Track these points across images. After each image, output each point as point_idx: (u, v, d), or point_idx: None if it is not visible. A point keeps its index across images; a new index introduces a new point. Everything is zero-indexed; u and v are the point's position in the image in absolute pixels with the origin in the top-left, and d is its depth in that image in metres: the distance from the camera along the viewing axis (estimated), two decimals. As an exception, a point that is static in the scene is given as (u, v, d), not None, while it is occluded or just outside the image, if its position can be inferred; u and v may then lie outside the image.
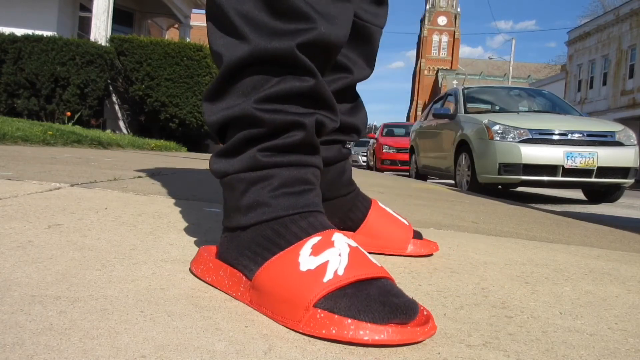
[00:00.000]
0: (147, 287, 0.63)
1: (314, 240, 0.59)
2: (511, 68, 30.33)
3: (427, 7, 74.21)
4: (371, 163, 14.20)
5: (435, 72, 69.39)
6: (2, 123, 4.28)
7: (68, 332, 0.47)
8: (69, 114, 7.44)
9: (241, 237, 0.64)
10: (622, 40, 22.63)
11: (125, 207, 1.24)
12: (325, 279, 0.54)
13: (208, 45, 0.66)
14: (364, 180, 4.02)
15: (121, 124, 8.91)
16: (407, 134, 13.04)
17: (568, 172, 4.78)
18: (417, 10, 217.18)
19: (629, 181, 4.98)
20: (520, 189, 6.52)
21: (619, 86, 22.63)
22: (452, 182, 6.00)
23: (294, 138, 0.63)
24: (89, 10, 9.18)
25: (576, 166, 4.76)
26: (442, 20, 73.32)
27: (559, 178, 4.79)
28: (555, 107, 6.40)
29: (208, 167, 0.70)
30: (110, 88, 8.41)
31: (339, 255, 0.57)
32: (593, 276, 0.97)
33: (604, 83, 24.02)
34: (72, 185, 1.50)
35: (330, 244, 0.59)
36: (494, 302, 0.73)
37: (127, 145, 5.72)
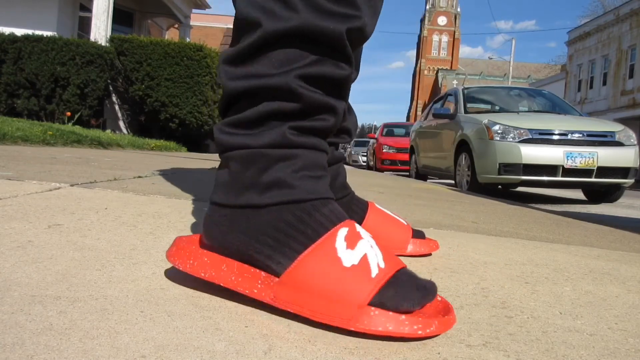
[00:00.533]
0: (147, 287, 0.63)
1: (344, 231, 0.57)
2: (511, 68, 30.33)
3: (427, 7, 74.22)
4: (371, 163, 14.20)
5: (435, 72, 69.41)
6: (2, 123, 4.28)
7: (68, 332, 0.47)
8: (69, 114, 7.44)
9: (254, 218, 0.58)
10: (622, 40, 22.63)
11: (125, 207, 1.24)
12: (373, 274, 0.54)
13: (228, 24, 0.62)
14: (364, 180, 4.02)
15: (121, 124, 8.91)
16: (407, 134, 13.04)
17: (568, 172, 4.78)
18: (417, 10, 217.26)
19: (629, 181, 4.98)
20: (520, 189, 6.52)
21: (619, 86, 22.63)
22: (452, 182, 5.99)
23: (326, 122, 0.62)
24: (89, 10, 9.18)
25: (576, 166, 4.76)
26: (442, 20, 73.32)
27: (559, 178, 4.79)
28: (555, 107, 6.40)
29: (209, 160, 0.67)
30: (110, 88, 8.41)
31: (371, 247, 0.57)
32: (593, 276, 0.97)
33: (604, 83, 24.02)
34: (72, 185, 1.50)
35: (359, 235, 0.58)
36: (494, 302, 0.73)
37: (127, 145, 5.72)
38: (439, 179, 7.51)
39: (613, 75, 23.16)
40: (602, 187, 5.15)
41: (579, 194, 6.35)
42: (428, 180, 7.05)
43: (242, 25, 0.60)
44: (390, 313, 0.52)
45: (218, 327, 0.53)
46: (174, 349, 0.46)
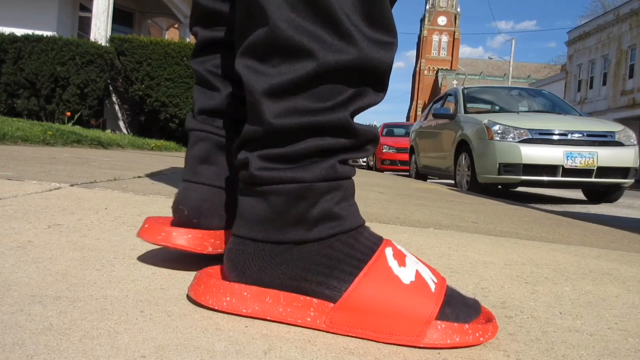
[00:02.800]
0: (147, 287, 0.63)
1: (389, 250, 0.58)
2: (511, 68, 30.33)
3: (427, 7, 74.21)
4: (371, 163, 14.20)
5: (435, 72, 69.42)
6: (2, 123, 4.28)
7: (68, 332, 0.47)
8: (68, 114, 7.44)
9: (299, 251, 0.57)
10: (622, 40, 22.63)
11: (125, 207, 1.24)
12: (433, 289, 0.55)
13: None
14: (364, 180, 4.02)
15: (121, 124, 8.91)
16: (407, 134, 13.04)
17: (568, 172, 4.78)
18: (417, 10, 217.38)
19: (629, 181, 4.98)
20: (520, 189, 6.52)
21: (619, 86, 22.64)
22: (452, 182, 5.99)
23: (369, 152, 0.61)
24: (89, 10, 9.18)
25: (576, 166, 4.76)
26: (442, 20, 73.32)
27: (559, 178, 4.79)
28: (555, 107, 6.40)
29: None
30: (110, 88, 8.41)
31: (417, 262, 0.59)
32: (593, 276, 0.97)
33: (604, 83, 24.02)
34: (72, 185, 1.50)
35: (403, 253, 0.59)
36: (494, 302, 0.73)
37: (127, 145, 5.72)
38: (439, 179, 7.51)
39: (613, 75, 23.16)
40: (602, 187, 5.15)
41: (579, 194, 6.35)
42: (428, 180, 7.05)
43: (283, 50, 0.54)
44: (456, 324, 0.53)
45: (218, 327, 0.53)
46: (174, 349, 0.46)
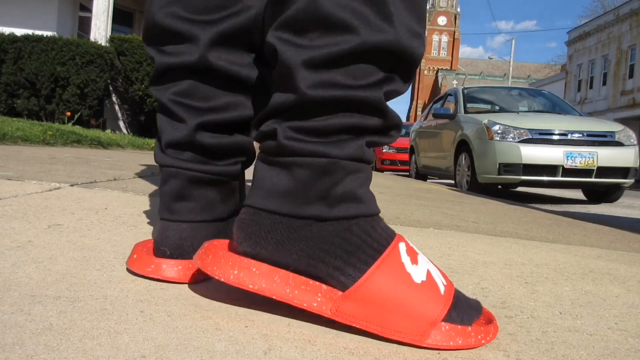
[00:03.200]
0: (147, 287, 0.63)
1: (403, 245, 0.58)
2: (511, 68, 30.33)
3: (427, 7, 74.13)
4: (371, 163, 14.18)
5: (435, 72, 69.42)
6: (2, 123, 4.28)
7: (68, 332, 0.47)
8: (68, 114, 7.44)
9: (318, 229, 0.56)
10: (622, 40, 22.63)
11: (125, 207, 1.24)
12: (442, 292, 0.56)
13: None
14: (364, 180, 4.01)
15: (121, 124, 8.91)
16: (407, 134, 13.03)
17: (568, 172, 4.78)
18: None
19: (629, 181, 4.98)
20: (520, 189, 6.52)
21: (619, 86, 22.64)
22: (452, 182, 5.99)
23: (393, 137, 0.61)
24: (89, 10, 9.18)
25: (576, 166, 4.76)
26: (442, 20, 73.33)
27: (559, 178, 4.79)
28: (555, 107, 6.40)
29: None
30: (110, 88, 8.41)
31: (428, 262, 0.59)
32: (593, 276, 0.97)
33: (604, 83, 24.02)
34: (72, 185, 1.50)
35: (415, 250, 0.59)
36: (494, 302, 0.73)
37: (127, 145, 5.72)
38: (439, 179, 7.51)
39: (613, 75, 23.16)
40: (602, 187, 5.15)
41: (579, 194, 6.35)
42: (428, 180, 7.05)
43: (324, 24, 0.53)
44: (459, 327, 0.54)
45: (218, 327, 0.53)
46: (174, 349, 0.46)
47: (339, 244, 0.55)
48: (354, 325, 0.53)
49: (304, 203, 0.56)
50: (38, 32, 7.78)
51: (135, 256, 0.69)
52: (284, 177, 0.56)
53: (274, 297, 0.55)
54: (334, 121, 0.55)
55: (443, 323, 0.53)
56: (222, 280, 0.56)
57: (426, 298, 0.54)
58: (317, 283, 0.55)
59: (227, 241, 0.63)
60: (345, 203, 0.56)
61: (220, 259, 0.57)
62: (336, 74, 0.54)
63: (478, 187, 5.10)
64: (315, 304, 0.54)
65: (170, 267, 0.66)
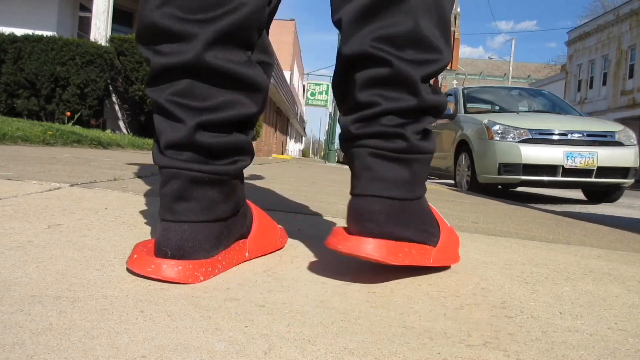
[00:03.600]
0: (147, 287, 0.63)
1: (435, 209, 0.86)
2: (511, 68, 30.32)
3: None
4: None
5: (435, 72, 69.22)
6: (2, 123, 4.29)
7: (68, 332, 0.47)
8: (68, 114, 7.44)
9: (417, 209, 0.77)
10: (622, 40, 22.63)
11: (125, 207, 1.24)
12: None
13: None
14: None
15: (121, 124, 8.91)
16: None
17: (568, 172, 4.78)
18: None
19: (629, 181, 4.98)
20: (520, 189, 6.52)
21: (619, 86, 22.64)
22: (452, 182, 6.00)
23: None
24: (89, 10, 9.18)
25: (576, 166, 4.76)
26: (442, 20, 73.13)
27: (559, 178, 4.80)
28: (555, 107, 6.40)
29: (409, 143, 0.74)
30: (110, 88, 8.42)
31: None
32: (593, 276, 0.97)
33: (604, 83, 24.02)
34: (72, 185, 1.50)
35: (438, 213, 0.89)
36: (494, 302, 0.73)
37: (127, 145, 5.72)
38: (439, 179, 7.51)
39: (613, 75, 23.16)
40: (602, 187, 5.15)
41: (579, 194, 6.35)
42: (428, 180, 7.05)
43: (420, 45, 0.72)
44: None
45: (218, 327, 0.53)
46: (174, 349, 0.46)
47: (428, 217, 0.79)
48: (440, 265, 0.82)
49: (414, 188, 0.75)
50: (38, 32, 7.78)
51: (135, 256, 0.69)
52: (405, 169, 0.73)
53: (409, 264, 0.74)
54: (432, 122, 0.76)
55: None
56: (371, 257, 0.71)
57: (456, 239, 0.89)
58: (427, 246, 0.78)
59: (342, 229, 0.77)
60: (424, 186, 0.79)
61: (351, 241, 0.72)
62: (432, 86, 0.75)
63: (478, 187, 5.10)
64: (426, 260, 0.78)
65: (171, 268, 0.66)
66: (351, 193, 0.75)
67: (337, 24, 0.75)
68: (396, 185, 0.72)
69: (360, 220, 0.72)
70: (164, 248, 0.68)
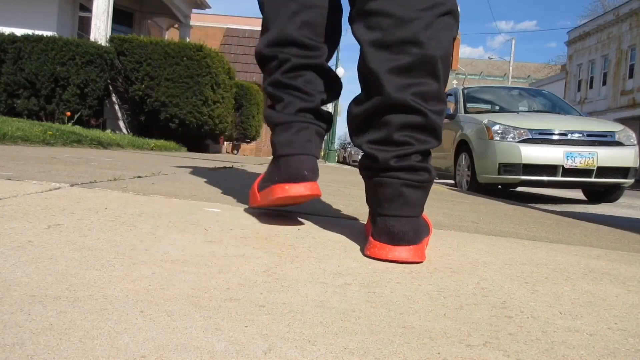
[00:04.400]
0: (147, 287, 0.63)
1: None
2: (511, 68, 30.32)
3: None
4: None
5: (435, 72, 69.17)
6: (2, 123, 4.28)
7: (68, 332, 0.47)
8: (68, 114, 7.43)
9: (421, 222, 0.98)
10: (622, 40, 22.63)
11: (125, 207, 1.24)
12: None
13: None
14: (364, 180, 4.01)
15: (121, 124, 8.91)
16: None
17: (568, 172, 4.78)
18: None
19: (629, 181, 4.98)
20: (520, 189, 6.52)
21: (619, 86, 22.64)
22: (452, 182, 6.00)
23: None
24: (89, 10, 9.18)
25: (576, 166, 4.76)
26: (442, 20, 73.12)
27: (559, 178, 4.80)
28: (555, 107, 6.40)
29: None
30: (110, 88, 8.41)
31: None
32: (593, 276, 0.97)
33: (604, 83, 24.02)
34: (72, 185, 1.50)
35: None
36: (494, 302, 0.72)
37: (127, 145, 5.72)
38: (439, 179, 7.51)
39: (613, 75, 23.16)
40: (602, 187, 5.15)
41: (579, 194, 6.35)
42: (428, 180, 7.03)
43: (443, 99, 0.98)
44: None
45: (218, 327, 0.53)
46: (174, 349, 0.46)
47: (424, 224, 0.99)
48: (413, 262, 0.92)
49: (422, 206, 0.96)
50: (38, 32, 7.77)
51: (259, 190, 1.18)
52: (424, 193, 0.95)
53: (424, 260, 0.94)
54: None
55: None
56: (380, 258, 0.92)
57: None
58: (425, 240, 0.98)
59: (374, 241, 0.96)
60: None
61: (382, 248, 0.93)
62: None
63: (478, 187, 5.10)
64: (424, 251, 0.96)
65: (299, 186, 1.05)
66: (381, 213, 0.94)
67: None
68: (419, 206, 0.94)
69: (396, 234, 0.92)
70: (304, 171, 1.07)
